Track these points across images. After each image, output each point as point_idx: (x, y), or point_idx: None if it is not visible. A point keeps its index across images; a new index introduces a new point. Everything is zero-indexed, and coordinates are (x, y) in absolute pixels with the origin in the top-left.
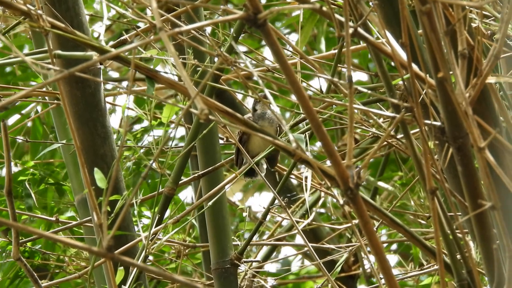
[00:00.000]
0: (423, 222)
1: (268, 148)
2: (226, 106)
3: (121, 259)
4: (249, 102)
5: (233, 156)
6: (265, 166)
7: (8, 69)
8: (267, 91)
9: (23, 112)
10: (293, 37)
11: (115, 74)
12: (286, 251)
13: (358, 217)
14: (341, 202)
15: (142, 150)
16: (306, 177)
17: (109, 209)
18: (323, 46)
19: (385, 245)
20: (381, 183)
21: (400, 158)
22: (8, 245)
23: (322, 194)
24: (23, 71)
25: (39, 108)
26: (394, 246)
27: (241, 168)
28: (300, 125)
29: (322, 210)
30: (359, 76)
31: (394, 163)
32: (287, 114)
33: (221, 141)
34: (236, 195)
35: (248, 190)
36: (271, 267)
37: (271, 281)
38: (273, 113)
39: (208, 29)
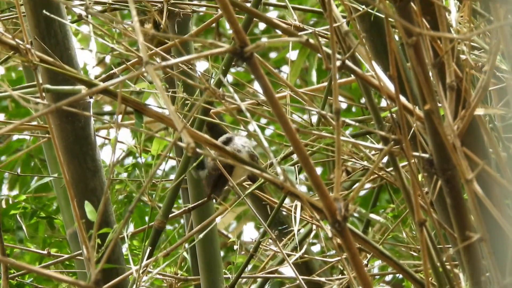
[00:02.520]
0: (415, 254)
1: (258, 182)
2: (217, 139)
3: None
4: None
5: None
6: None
7: (4, 102)
8: (254, 124)
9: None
10: (286, 69)
11: (108, 108)
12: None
13: (346, 250)
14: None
15: (133, 184)
16: (295, 208)
17: (99, 243)
18: (314, 78)
19: (377, 277)
20: (373, 215)
21: (392, 190)
22: None
23: (314, 226)
24: (17, 106)
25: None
26: (388, 278)
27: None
28: (294, 156)
29: (315, 241)
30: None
31: (387, 194)
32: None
33: None
34: (228, 225)
35: (240, 222)
36: None
37: None
38: (261, 145)
39: (203, 63)
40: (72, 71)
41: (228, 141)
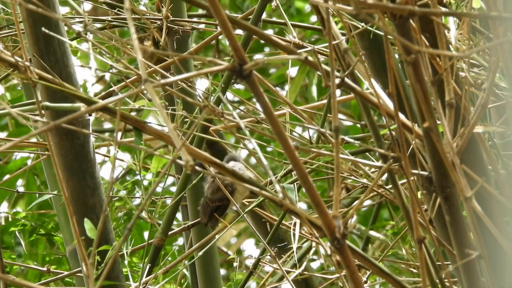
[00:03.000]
0: (415, 271)
1: (257, 200)
2: (217, 157)
3: None
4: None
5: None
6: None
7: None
8: (253, 142)
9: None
10: (286, 86)
11: (108, 125)
12: None
13: (345, 267)
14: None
15: (134, 201)
16: (294, 225)
17: (99, 260)
18: (315, 94)
19: None
20: (373, 232)
21: (392, 207)
22: None
23: (313, 243)
24: (17, 125)
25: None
26: None
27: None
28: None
29: (315, 258)
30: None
31: (387, 211)
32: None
33: None
34: (228, 242)
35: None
36: None
37: None
38: (261, 163)
39: (202, 80)
40: (71, 88)
41: (231, 160)
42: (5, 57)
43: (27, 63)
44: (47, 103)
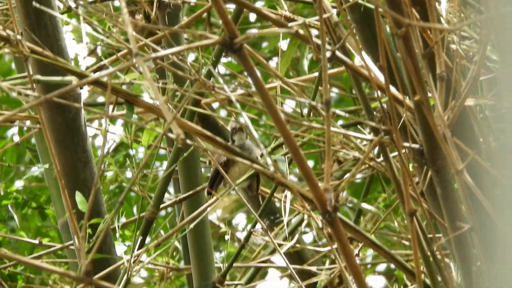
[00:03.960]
0: (407, 243)
1: (249, 172)
2: (209, 130)
3: (100, 284)
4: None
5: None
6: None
7: None
8: (245, 115)
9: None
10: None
11: (100, 99)
12: (271, 273)
13: (336, 240)
14: (321, 225)
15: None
16: (285, 198)
17: (90, 233)
18: (306, 67)
19: (369, 266)
20: (365, 205)
21: (384, 180)
22: None
23: (305, 216)
24: (7, 94)
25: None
26: (382, 267)
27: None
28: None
29: (308, 230)
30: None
31: (379, 184)
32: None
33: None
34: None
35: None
36: None
37: None
38: (252, 136)
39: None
40: (62, 61)
41: (237, 130)
42: None
43: (19, 37)
44: (39, 77)
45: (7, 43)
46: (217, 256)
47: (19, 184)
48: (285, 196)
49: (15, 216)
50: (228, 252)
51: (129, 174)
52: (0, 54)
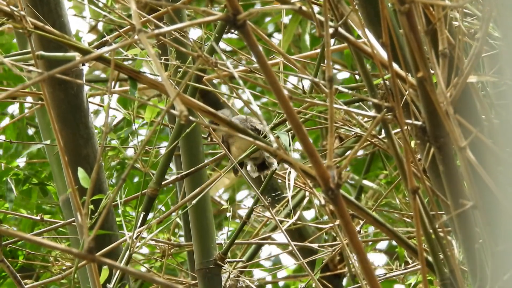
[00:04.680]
0: (408, 220)
1: (251, 148)
2: (211, 106)
3: (102, 260)
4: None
5: (219, 155)
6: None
7: None
8: (247, 91)
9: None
10: (279, 36)
11: (102, 75)
12: (273, 250)
13: (339, 217)
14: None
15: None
16: (289, 175)
17: (93, 209)
18: (308, 43)
19: (370, 243)
20: (366, 182)
21: (385, 157)
22: None
23: (307, 193)
24: (9, 69)
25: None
26: (383, 245)
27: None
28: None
29: (310, 207)
30: (345, 75)
31: (380, 161)
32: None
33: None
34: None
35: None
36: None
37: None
38: (254, 113)
39: (196, 30)
40: (66, 37)
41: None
42: (0, 6)
43: (23, 13)
44: (42, 52)
45: (10, 19)
46: (219, 234)
47: (21, 160)
48: (289, 173)
49: (14, 189)
50: (228, 229)
51: (130, 151)
52: (2, 30)
